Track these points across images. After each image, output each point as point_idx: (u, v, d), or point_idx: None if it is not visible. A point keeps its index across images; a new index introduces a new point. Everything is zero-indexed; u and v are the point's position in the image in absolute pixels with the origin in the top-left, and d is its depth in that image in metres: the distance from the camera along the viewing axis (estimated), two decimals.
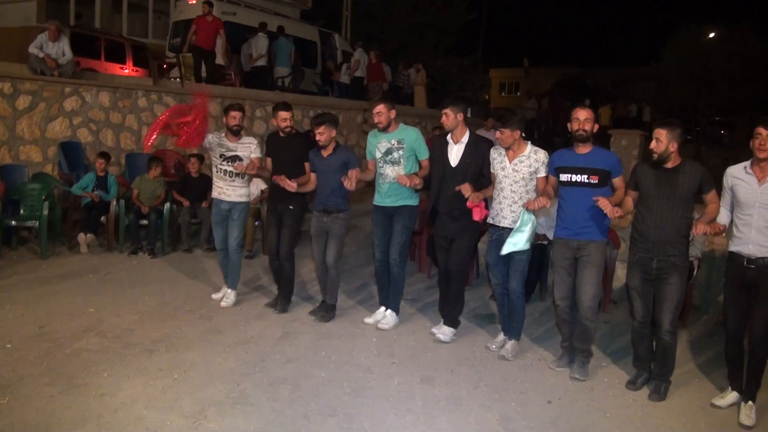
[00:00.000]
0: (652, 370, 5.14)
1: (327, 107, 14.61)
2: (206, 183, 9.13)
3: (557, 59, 47.16)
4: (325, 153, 6.24)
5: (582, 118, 5.08)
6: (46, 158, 10.08)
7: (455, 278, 5.92)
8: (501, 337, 5.91)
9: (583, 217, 5.10)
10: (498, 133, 5.44)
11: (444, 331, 6.00)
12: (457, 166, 5.71)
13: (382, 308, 6.42)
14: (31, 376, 4.84)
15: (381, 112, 5.99)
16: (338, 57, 18.86)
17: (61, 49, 10.39)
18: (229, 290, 6.81)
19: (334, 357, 5.52)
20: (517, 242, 5.34)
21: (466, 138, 5.74)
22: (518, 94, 48.48)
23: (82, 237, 8.55)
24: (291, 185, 6.10)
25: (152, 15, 19.48)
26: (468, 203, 5.46)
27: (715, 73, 22.91)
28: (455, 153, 5.74)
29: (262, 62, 14.86)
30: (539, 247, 6.95)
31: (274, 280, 6.89)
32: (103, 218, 8.67)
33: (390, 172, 6.06)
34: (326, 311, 6.45)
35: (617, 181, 5.12)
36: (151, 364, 5.17)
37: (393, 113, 6.02)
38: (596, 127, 5.11)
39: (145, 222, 8.54)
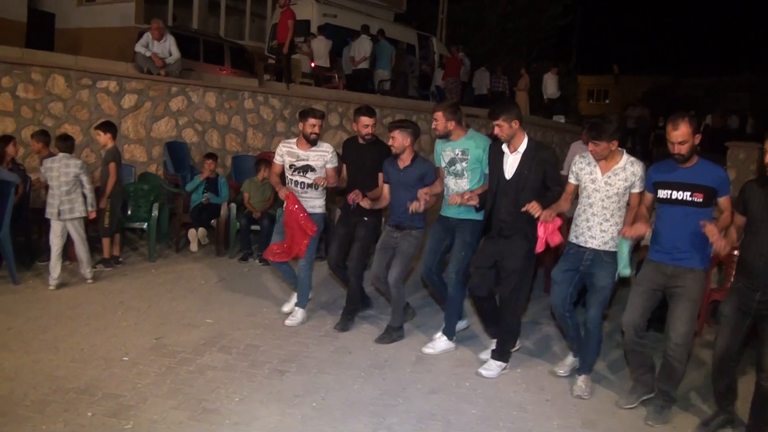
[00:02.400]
0: (750, 425, 4.26)
1: (428, 111, 14.07)
2: None
3: (647, 67, 45.48)
4: (401, 164, 5.59)
5: (676, 140, 4.23)
6: (151, 158, 9.83)
7: (507, 307, 5.14)
8: (570, 359, 5.24)
9: (683, 240, 4.34)
10: (591, 146, 4.65)
11: (490, 366, 5.19)
12: (512, 178, 4.98)
13: (440, 333, 5.71)
14: (155, 396, 4.39)
15: (437, 119, 5.35)
16: (435, 61, 18.30)
17: (167, 49, 10.13)
18: (297, 308, 6.11)
19: (480, 390, 4.89)
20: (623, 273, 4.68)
21: (523, 147, 4.98)
22: (607, 101, 47.02)
23: (192, 232, 8.26)
24: (367, 203, 5.60)
25: (249, 17, 19.34)
26: (540, 225, 4.74)
27: None
28: (510, 164, 5.02)
29: (365, 65, 14.43)
30: None
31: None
32: (213, 222, 8.30)
33: (453, 185, 5.40)
34: (388, 333, 5.75)
35: (723, 201, 4.34)
36: (284, 388, 4.65)
37: (452, 123, 5.32)
38: (698, 138, 4.27)
39: (256, 227, 8.10)
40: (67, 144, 6.81)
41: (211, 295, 6.74)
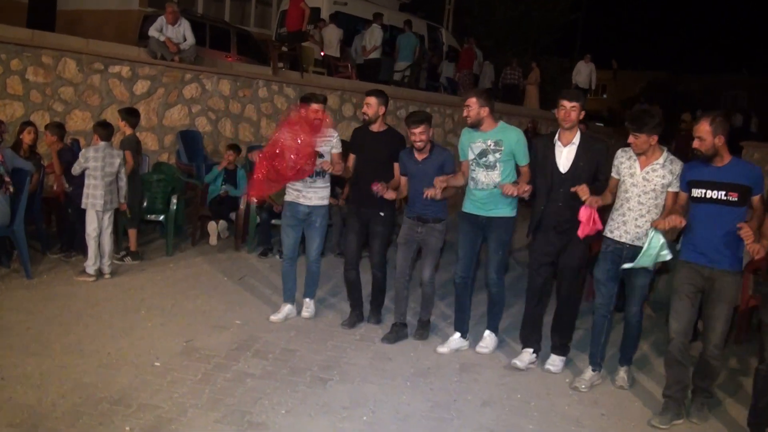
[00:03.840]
0: None
1: (442, 104, 13.81)
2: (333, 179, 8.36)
3: (646, 63, 45.28)
4: (420, 156, 5.39)
5: (695, 135, 4.30)
6: (163, 147, 9.50)
7: (567, 303, 5.16)
8: (589, 373, 4.98)
9: (718, 240, 4.28)
10: (632, 138, 4.59)
11: (554, 362, 5.20)
12: (568, 171, 4.89)
13: (457, 334, 5.48)
14: (195, 407, 4.08)
15: (470, 105, 5.09)
16: (444, 52, 17.98)
17: (182, 33, 9.77)
18: (308, 299, 5.96)
19: (533, 402, 4.62)
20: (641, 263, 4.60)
21: (576, 139, 4.88)
22: (605, 96, 46.69)
23: (213, 225, 7.95)
24: (391, 195, 5.32)
25: (254, 3, 18.90)
26: (582, 210, 4.68)
27: None
28: (565, 156, 4.90)
29: (375, 54, 14.08)
30: None
31: (347, 293, 5.93)
32: (232, 215, 7.98)
33: (483, 177, 5.15)
34: (422, 328, 5.66)
35: (755, 200, 4.29)
36: (331, 398, 4.36)
37: (485, 111, 5.07)
38: (720, 139, 4.21)
39: (278, 221, 7.75)
40: (108, 132, 6.50)
41: (235, 293, 6.43)
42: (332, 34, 13.77)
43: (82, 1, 17.28)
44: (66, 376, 4.35)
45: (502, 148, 5.08)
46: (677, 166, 4.59)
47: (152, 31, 9.54)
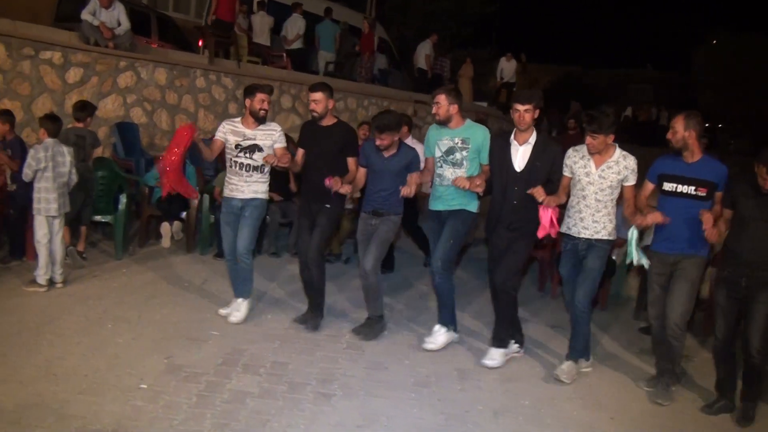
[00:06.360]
0: (742, 393, 4.66)
1: (379, 96, 13.55)
2: (287, 175, 7.97)
3: (554, 57, 46.45)
4: (387, 153, 5.28)
5: (671, 126, 4.63)
6: None
7: (502, 295, 5.10)
8: (584, 363, 5.21)
9: (685, 229, 4.61)
10: (589, 139, 4.71)
11: (492, 355, 5.12)
12: (522, 170, 4.95)
13: (443, 329, 5.45)
14: None
15: (440, 102, 5.12)
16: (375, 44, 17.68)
17: (116, 18, 9.09)
18: (240, 300, 5.58)
19: (542, 408, 4.50)
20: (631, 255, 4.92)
21: (533, 139, 4.95)
22: (514, 89, 47.60)
23: (166, 227, 7.38)
24: (346, 188, 5.16)
25: None
26: (541, 209, 4.79)
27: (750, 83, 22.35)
28: (521, 156, 4.97)
29: (298, 44, 13.62)
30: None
31: (305, 293, 5.73)
32: (182, 214, 7.46)
33: (449, 174, 5.17)
34: (370, 327, 5.48)
35: (717, 195, 4.63)
36: (341, 417, 4.07)
37: (454, 108, 5.13)
38: (690, 133, 4.54)
39: None
40: (57, 127, 5.81)
41: (201, 299, 5.98)
42: (262, 22, 13.22)
43: None
44: (45, 406, 3.85)
45: (469, 146, 5.12)
46: (631, 160, 4.76)
47: (85, 15, 8.78)
